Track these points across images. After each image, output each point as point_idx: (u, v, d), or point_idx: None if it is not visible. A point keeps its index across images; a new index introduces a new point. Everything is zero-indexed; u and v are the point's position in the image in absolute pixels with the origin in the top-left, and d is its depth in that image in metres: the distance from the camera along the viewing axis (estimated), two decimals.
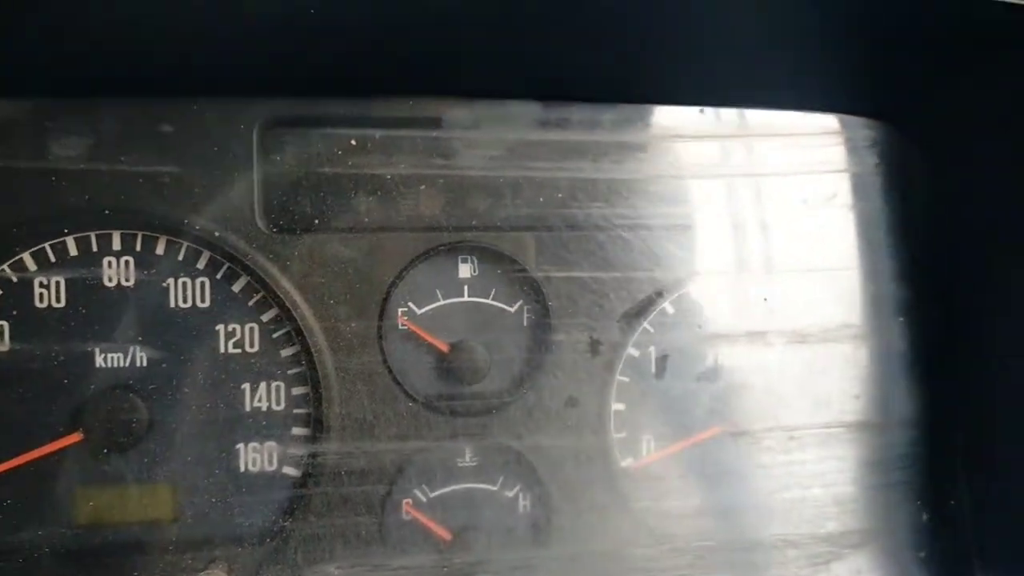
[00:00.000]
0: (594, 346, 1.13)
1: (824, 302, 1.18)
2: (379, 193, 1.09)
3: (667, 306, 1.15)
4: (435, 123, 1.09)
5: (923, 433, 1.19)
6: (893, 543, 1.18)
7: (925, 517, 1.18)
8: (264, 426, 1.07)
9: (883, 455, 1.18)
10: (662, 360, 1.16)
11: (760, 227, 1.17)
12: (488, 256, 1.12)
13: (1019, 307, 1.14)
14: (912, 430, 1.19)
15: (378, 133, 1.08)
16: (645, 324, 1.14)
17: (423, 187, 1.10)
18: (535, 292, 1.12)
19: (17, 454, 1.02)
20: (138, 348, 1.05)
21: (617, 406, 1.15)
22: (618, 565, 1.12)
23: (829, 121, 1.19)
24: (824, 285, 1.18)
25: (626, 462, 1.15)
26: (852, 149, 1.19)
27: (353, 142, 1.07)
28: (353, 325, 1.08)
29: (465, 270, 1.13)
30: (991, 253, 1.17)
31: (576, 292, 1.12)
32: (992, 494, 1.17)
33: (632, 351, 1.15)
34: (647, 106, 1.15)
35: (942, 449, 1.19)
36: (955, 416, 1.19)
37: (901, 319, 1.19)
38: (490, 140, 1.09)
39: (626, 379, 1.15)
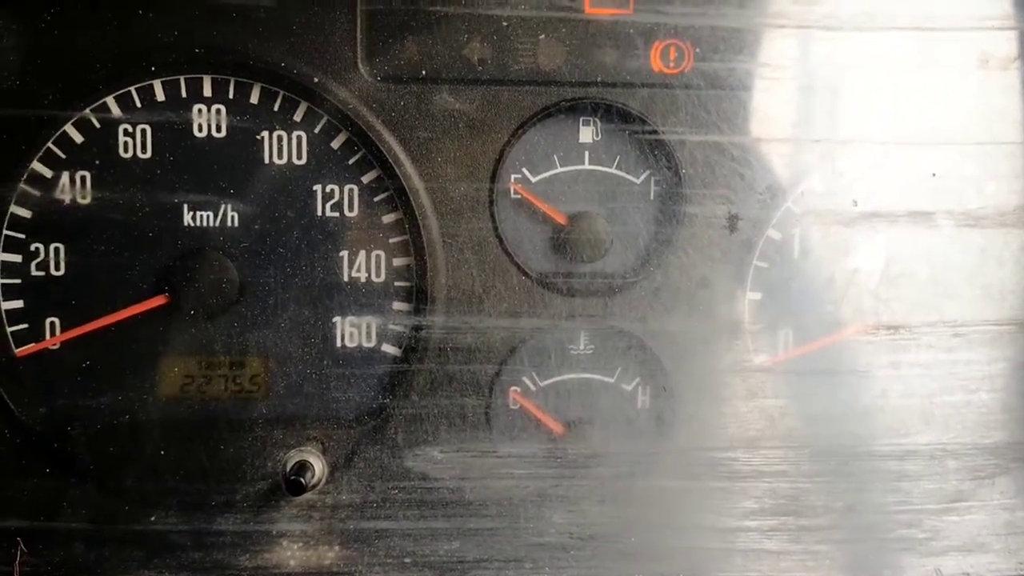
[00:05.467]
0: (732, 221, 1.00)
1: (1000, 180, 1.02)
2: (494, 40, 0.97)
3: (816, 181, 1.01)
4: None
5: None
6: None
7: None
8: (363, 297, 0.98)
9: None
10: (807, 243, 1.02)
11: (928, 91, 1.01)
12: (613, 117, 0.99)
13: None
14: None
15: None
16: (789, 203, 1.01)
17: (543, 36, 0.97)
18: (666, 158, 0.99)
19: (98, 316, 0.96)
20: (229, 205, 0.96)
21: (753, 295, 1.02)
22: (750, 467, 1.00)
23: None
24: (1001, 161, 1.02)
25: (760, 359, 1.02)
26: None
27: None
28: (462, 187, 0.98)
29: (587, 134, 1.00)
30: None
31: (714, 159, 0.99)
32: None
33: (773, 232, 1.01)
34: None
35: None
36: None
37: None
38: None
39: (765, 264, 1.02)
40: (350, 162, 0.98)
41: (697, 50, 0.98)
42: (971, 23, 1.02)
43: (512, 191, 1.00)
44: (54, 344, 0.96)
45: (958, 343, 1.03)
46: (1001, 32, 1.02)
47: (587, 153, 1.01)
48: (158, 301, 0.95)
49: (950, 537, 1.02)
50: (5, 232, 0.95)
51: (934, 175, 1.01)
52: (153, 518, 0.97)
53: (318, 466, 0.96)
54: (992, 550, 1.03)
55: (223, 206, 0.96)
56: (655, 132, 0.99)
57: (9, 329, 0.96)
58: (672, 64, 0.98)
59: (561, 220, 1.00)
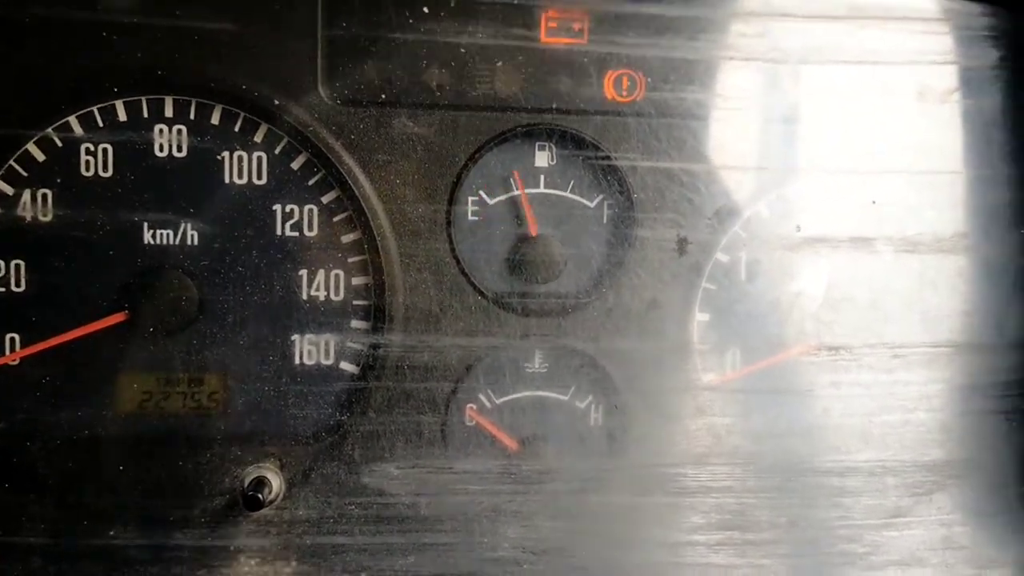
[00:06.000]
0: (681, 245, 1.03)
1: (938, 208, 1.07)
2: (452, 66, 0.99)
3: (762, 207, 1.05)
4: None
5: None
6: (1002, 475, 1.08)
7: None
8: (322, 315, 1.00)
9: (995, 379, 1.07)
10: (753, 266, 1.05)
11: (870, 122, 1.05)
12: (568, 143, 1.02)
13: None
14: None
15: None
16: (737, 227, 1.04)
17: (500, 63, 1.00)
18: (619, 183, 1.02)
19: (58, 332, 0.96)
20: (189, 224, 0.98)
21: (701, 316, 1.05)
22: (698, 483, 1.03)
23: (948, 6, 1.07)
24: (938, 190, 1.07)
25: (708, 378, 1.05)
26: (972, 40, 1.07)
27: (426, 9, 0.98)
28: (420, 209, 1.00)
29: (542, 158, 1.03)
30: None
31: (664, 184, 1.02)
32: None
33: (721, 256, 1.05)
34: None
35: None
36: None
37: (1022, 231, 1.07)
38: (576, 10, 0.99)
39: (713, 286, 1.05)
40: (310, 183, 0.99)
41: (649, 80, 1.01)
42: (912, 57, 1.06)
43: (469, 213, 1.03)
44: (14, 360, 0.96)
45: (897, 364, 1.06)
46: (941, 66, 1.07)
47: (543, 177, 1.03)
48: (117, 318, 0.96)
49: (889, 552, 1.05)
50: None
51: (873, 203, 1.05)
52: (112, 533, 0.97)
53: (276, 482, 0.97)
54: (930, 564, 1.06)
55: (183, 225, 0.97)
56: (608, 158, 1.02)
57: None
58: (624, 93, 1.02)
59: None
